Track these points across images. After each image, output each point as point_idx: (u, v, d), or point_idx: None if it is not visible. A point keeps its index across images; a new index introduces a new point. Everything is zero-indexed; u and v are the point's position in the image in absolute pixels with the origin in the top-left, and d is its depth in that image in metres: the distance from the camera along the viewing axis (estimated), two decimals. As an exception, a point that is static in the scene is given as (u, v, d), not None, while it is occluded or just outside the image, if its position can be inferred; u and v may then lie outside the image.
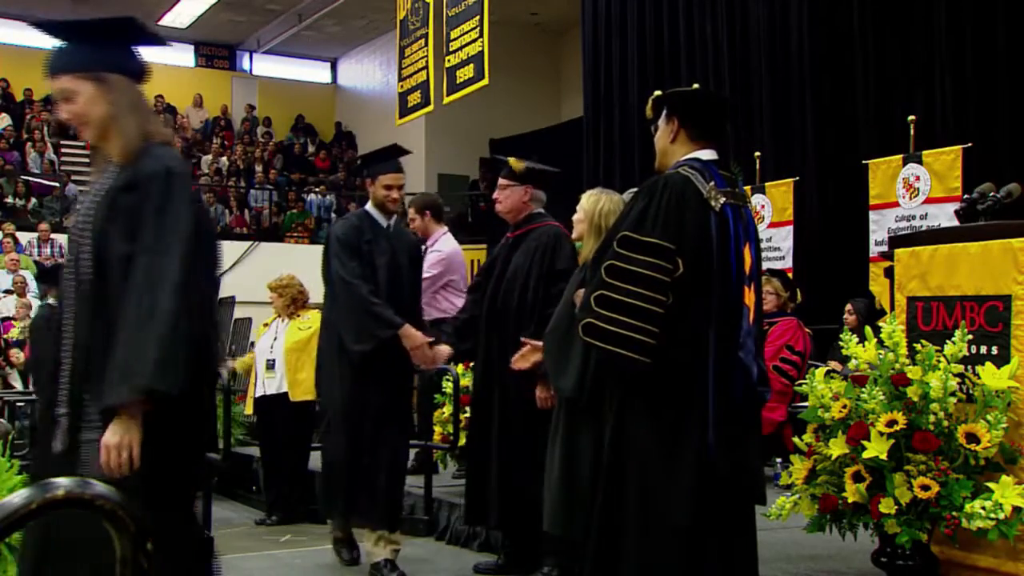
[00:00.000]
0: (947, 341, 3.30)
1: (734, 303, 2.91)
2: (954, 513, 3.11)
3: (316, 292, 4.79)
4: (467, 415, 5.44)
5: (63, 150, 17.38)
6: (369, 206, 4.66)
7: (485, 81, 10.19)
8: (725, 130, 3.23)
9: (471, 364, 5.62)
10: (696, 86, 3.26)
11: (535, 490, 3.88)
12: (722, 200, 2.94)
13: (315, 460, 7.85)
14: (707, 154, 3.08)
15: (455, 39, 10.60)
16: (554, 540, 3.97)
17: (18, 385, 10.39)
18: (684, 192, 2.91)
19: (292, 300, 6.80)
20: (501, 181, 4.50)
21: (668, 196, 2.90)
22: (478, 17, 10.23)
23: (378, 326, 4.33)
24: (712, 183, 2.95)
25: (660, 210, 2.88)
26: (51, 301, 6.08)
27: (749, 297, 2.94)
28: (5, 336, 11.22)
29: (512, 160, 4.43)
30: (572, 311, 3.61)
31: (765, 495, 3.14)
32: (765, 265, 8.42)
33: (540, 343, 3.88)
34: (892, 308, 3.78)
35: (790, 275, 8.41)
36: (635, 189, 4.06)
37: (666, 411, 2.86)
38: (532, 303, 4.24)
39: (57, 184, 15.57)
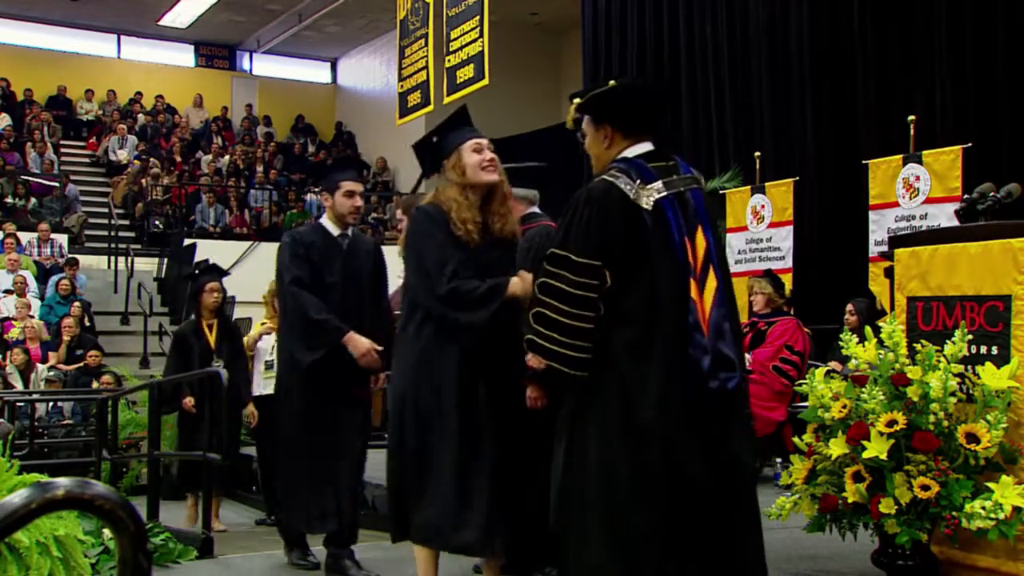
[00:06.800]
0: (947, 341, 3.30)
1: (678, 300, 2.84)
2: (954, 513, 3.11)
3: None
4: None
5: (63, 150, 17.37)
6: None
7: (485, 81, 10.18)
8: (659, 118, 3.13)
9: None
10: (613, 83, 3.14)
11: (530, 493, 3.85)
12: (655, 196, 2.87)
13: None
14: (639, 148, 3.00)
15: (455, 39, 10.60)
16: (555, 540, 3.96)
17: (18, 385, 10.37)
18: (606, 201, 2.88)
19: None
20: None
21: (589, 210, 2.88)
22: (478, 17, 10.23)
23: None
24: (638, 181, 2.88)
25: (582, 225, 2.87)
26: None
27: (695, 290, 2.84)
28: (5, 336, 11.22)
29: None
30: None
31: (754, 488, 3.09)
32: (764, 265, 8.42)
33: None
34: (892, 308, 3.78)
35: (790, 275, 8.42)
36: None
37: (619, 422, 2.83)
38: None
39: (57, 184, 15.55)
